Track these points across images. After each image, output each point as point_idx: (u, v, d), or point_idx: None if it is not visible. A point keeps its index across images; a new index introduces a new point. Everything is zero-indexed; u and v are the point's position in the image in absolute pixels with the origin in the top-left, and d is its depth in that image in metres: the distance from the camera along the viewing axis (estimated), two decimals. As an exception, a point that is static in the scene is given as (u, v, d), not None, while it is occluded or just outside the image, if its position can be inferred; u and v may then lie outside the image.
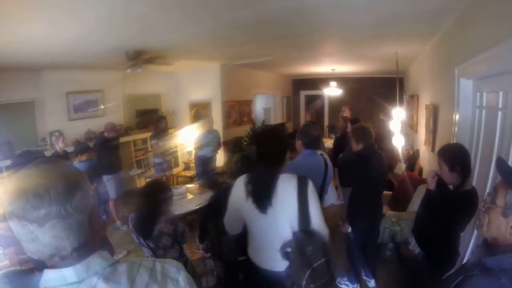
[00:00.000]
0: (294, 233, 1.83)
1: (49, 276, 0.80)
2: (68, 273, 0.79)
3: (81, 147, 4.53)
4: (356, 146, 3.16)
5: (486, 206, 1.14)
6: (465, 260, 2.38)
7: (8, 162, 4.57)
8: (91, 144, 5.06)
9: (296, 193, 1.82)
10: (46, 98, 5.73)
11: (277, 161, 1.94)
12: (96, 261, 0.82)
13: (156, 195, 2.63)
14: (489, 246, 1.12)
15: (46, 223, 0.75)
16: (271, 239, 1.91)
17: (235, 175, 2.65)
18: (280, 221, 1.85)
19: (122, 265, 0.86)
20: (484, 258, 1.06)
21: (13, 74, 5.19)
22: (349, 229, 3.22)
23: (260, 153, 2.00)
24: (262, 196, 1.86)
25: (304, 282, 1.74)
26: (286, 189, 1.84)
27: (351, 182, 3.20)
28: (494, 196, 1.10)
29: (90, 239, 0.84)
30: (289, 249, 1.80)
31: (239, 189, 1.97)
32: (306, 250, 1.77)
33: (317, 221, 1.83)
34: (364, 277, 3.49)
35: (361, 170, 2.99)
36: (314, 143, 2.79)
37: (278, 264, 1.88)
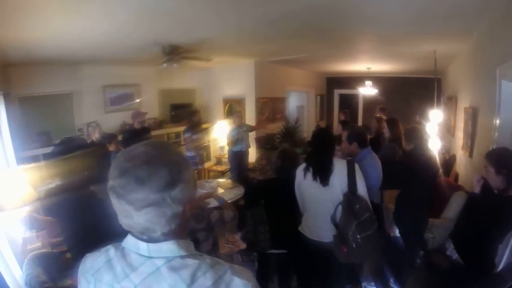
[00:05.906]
0: (344, 194, 2.43)
1: (129, 240, 0.86)
2: (143, 247, 0.84)
3: (108, 137, 4.68)
4: (407, 146, 3.23)
5: None
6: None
7: (46, 150, 4.79)
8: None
9: (346, 169, 2.46)
10: (84, 91, 5.99)
11: (333, 149, 2.69)
12: (169, 248, 0.84)
13: None
14: None
15: (142, 208, 0.79)
16: (325, 208, 2.51)
17: (277, 169, 3.04)
18: (335, 189, 2.47)
19: (192, 261, 0.84)
20: None
21: (53, 67, 5.43)
22: (397, 232, 3.12)
23: (322, 144, 2.63)
24: (324, 172, 2.50)
25: (351, 233, 2.25)
26: (339, 167, 2.50)
27: (396, 184, 3.16)
28: None
29: (179, 227, 0.87)
30: (339, 208, 2.39)
31: (299, 174, 2.66)
32: (354, 207, 2.33)
33: (362, 190, 2.45)
34: (392, 285, 3.33)
35: (411, 171, 2.94)
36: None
37: (327, 235, 2.49)
